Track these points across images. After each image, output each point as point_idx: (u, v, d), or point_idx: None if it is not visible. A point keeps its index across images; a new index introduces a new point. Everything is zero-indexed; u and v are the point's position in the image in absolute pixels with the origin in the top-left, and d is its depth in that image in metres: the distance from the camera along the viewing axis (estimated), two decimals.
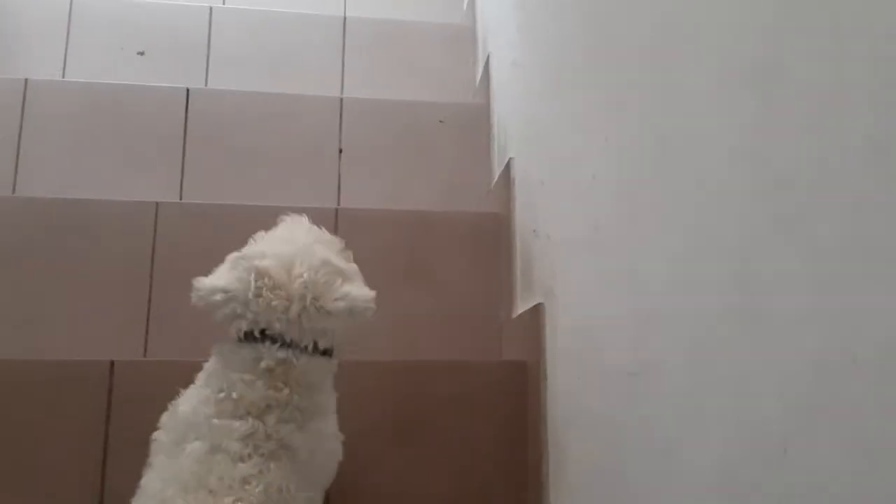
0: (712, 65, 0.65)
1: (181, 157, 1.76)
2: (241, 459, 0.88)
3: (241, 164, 1.78)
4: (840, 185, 0.48)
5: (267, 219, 1.06)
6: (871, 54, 0.45)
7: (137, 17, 2.12)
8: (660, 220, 0.75)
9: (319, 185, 1.79)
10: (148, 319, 1.42)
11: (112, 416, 1.17)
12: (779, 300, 0.54)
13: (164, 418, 0.98)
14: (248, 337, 0.94)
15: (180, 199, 1.73)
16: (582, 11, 1.07)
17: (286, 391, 0.92)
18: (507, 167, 1.51)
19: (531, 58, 1.39)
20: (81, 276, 1.44)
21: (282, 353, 0.93)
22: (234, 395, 0.91)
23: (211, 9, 2.14)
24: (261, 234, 1.02)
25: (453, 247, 1.56)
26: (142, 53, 2.08)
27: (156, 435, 0.97)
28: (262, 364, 0.92)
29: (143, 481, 0.93)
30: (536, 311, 1.20)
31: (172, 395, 0.99)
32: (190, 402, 0.95)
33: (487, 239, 1.57)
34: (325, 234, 1.05)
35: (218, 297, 0.94)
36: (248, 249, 0.99)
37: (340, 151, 1.83)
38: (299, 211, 1.07)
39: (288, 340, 0.94)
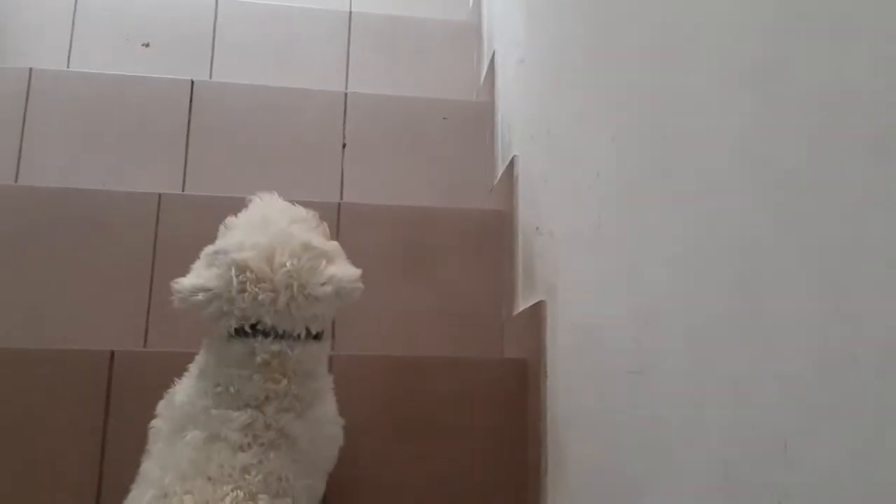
0: (714, 64, 0.66)
1: (184, 149, 1.76)
2: (241, 449, 0.88)
3: (245, 157, 1.78)
4: (841, 185, 0.48)
5: None
6: (873, 54, 0.45)
7: (143, 8, 2.12)
8: (662, 219, 0.75)
9: (322, 180, 1.79)
10: (149, 310, 1.42)
11: (111, 406, 1.17)
12: (780, 300, 0.54)
13: (161, 406, 0.98)
14: (239, 332, 0.92)
15: (183, 190, 1.73)
16: (587, 10, 1.07)
17: (284, 382, 0.91)
18: (511, 164, 1.51)
19: (537, 56, 1.39)
20: (83, 266, 1.44)
21: (276, 346, 0.91)
22: (232, 389, 0.90)
23: (217, 1, 2.14)
24: (231, 220, 0.99)
25: (455, 243, 1.56)
26: (147, 45, 2.08)
27: (154, 423, 0.97)
28: (258, 358, 0.91)
29: (143, 468, 0.93)
30: (538, 309, 1.20)
31: (171, 385, 0.99)
32: (186, 392, 0.94)
33: (490, 236, 1.57)
34: (299, 211, 1.02)
35: (200, 296, 0.91)
36: (222, 241, 0.95)
37: (344, 146, 1.83)
38: (302, 205, 1.05)
39: (280, 332, 0.92)
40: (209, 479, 0.85)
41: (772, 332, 0.54)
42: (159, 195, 1.50)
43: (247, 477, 0.86)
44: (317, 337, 0.96)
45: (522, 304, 1.36)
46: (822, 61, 0.50)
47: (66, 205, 1.48)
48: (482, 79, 2.03)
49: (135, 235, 1.46)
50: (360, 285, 0.96)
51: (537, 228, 1.28)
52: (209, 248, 0.95)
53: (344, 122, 1.84)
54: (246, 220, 0.98)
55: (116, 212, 1.48)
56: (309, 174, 1.79)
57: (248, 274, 0.90)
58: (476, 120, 1.88)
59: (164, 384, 0.99)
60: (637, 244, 0.82)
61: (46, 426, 1.16)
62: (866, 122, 0.46)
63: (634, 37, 0.86)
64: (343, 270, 0.95)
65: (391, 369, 1.27)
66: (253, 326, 0.91)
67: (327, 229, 1.04)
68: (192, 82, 1.81)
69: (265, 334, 0.91)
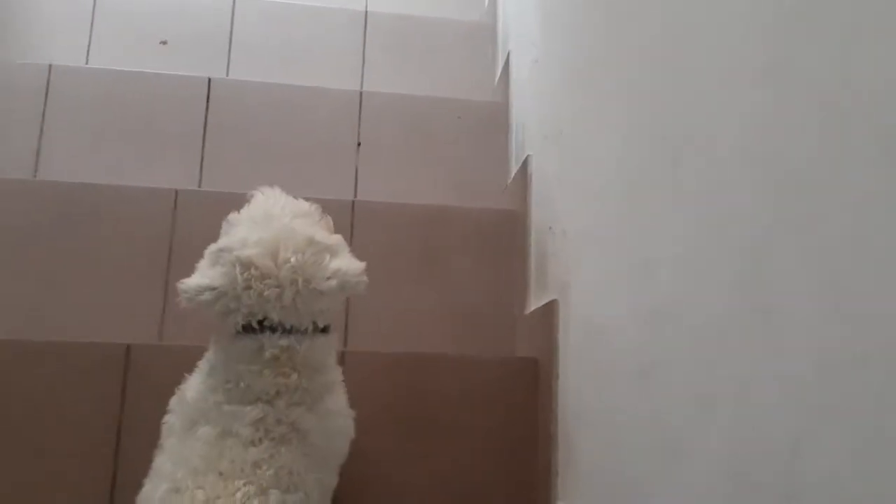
0: (724, 64, 0.66)
1: (201, 146, 1.78)
2: (253, 443, 0.88)
3: (260, 154, 1.79)
4: (848, 185, 0.48)
5: None
6: (881, 54, 0.45)
7: (160, 6, 2.13)
8: (673, 219, 0.75)
9: (337, 177, 1.80)
10: (165, 304, 1.43)
11: (127, 399, 1.19)
12: (788, 299, 0.54)
13: (173, 402, 0.98)
14: (247, 329, 0.92)
15: (199, 186, 1.74)
16: (601, 12, 1.07)
17: (294, 376, 0.92)
18: (525, 164, 1.51)
19: (552, 56, 1.39)
20: (100, 261, 1.46)
21: (284, 341, 0.92)
22: (243, 384, 0.91)
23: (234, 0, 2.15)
24: (234, 216, 0.99)
25: (468, 242, 1.57)
26: (164, 42, 2.09)
27: (167, 418, 0.97)
28: (267, 354, 0.91)
29: (155, 463, 0.93)
30: (550, 308, 1.20)
31: (185, 380, 1.00)
32: (196, 389, 0.94)
33: (502, 235, 1.57)
34: (301, 205, 1.01)
35: (206, 295, 0.91)
36: (226, 239, 0.95)
37: (359, 145, 1.84)
38: (317, 202, 1.05)
39: (287, 327, 0.92)
40: (220, 474, 0.86)
41: (781, 331, 0.54)
42: (176, 191, 1.51)
43: (258, 472, 0.86)
44: (324, 330, 0.97)
45: (535, 304, 1.36)
46: (831, 61, 0.50)
47: (83, 200, 1.49)
48: (497, 79, 2.03)
49: (151, 230, 1.48)
50: (365, 278, 0.96)
51: (550, 228, 1.28)
52: (213, 247, 0.95)
53: (359, 121, 1.85)
54: (248, 217, 0.98)
55: (134, 207, 1.50)
56: (323, 172, 1.80)
57: (252, 271, 0.90)
58: (490, 119, 1.88)
59: (179, 378, 1.00)
60: (649, 244, 0.82)
61: (62, 418, 1.17)
62: (868, 123, 0.46)
63: (646, 38, 0.86)
64: (348, 264, 0.95)
65: (401, 366, 1.27)
66: (260, 322, 0.92)
67: (331, 223, 1.04)
68: (210, 80, 1.83)
69: (273, 330, 0.92)
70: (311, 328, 0.94)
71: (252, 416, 0.89)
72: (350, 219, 1.51)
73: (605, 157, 0.99)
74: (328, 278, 0.93)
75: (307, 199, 1.05)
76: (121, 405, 1.18)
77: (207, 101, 1.80)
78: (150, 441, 0.97)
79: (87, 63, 2.06)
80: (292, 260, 0.91)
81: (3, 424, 1.16)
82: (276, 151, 1.80)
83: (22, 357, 1.19)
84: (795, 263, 0.53)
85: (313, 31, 2.16)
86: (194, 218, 1.48)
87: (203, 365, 0.98)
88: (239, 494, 0.84)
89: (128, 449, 1.16)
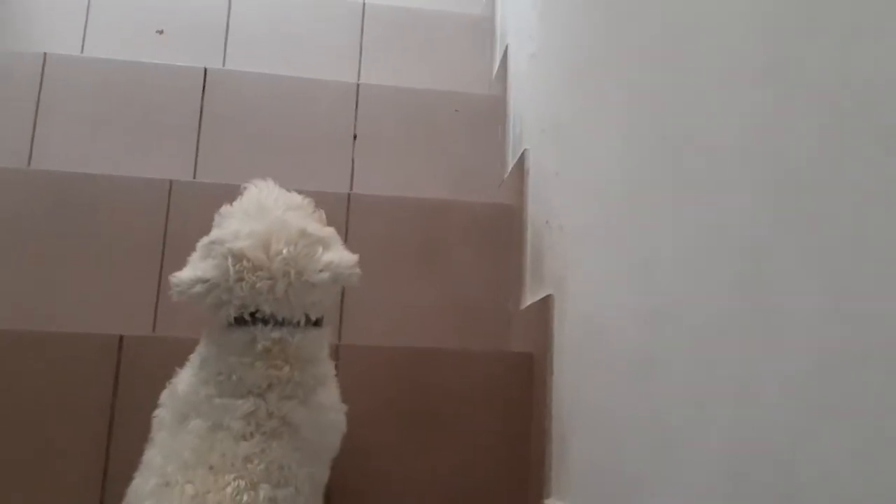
0: (724, 63, 0.65)
1: (196, 137, 1.77)
2: (244, 438, 0.88)
3: (256, 146, 1.78)
4: (849, 185, 0.47)
5: None
6: (881, 54, 0.45)
7: None
8: (671, 215, 0.75)
9: (333, 170, 1.80)
10: (158, 296, 1.43)
11: (119, 391, 1.18)
12: (788, 299, 0.53)
13: (164, 396, 0.98)
14: (239, 321, 0.92)
15: (194, 177, 1.73)
16: (599, 7, 1.06)
17: (286, 368, 0.91)
18: (522, 158, 1.51)
19: (550, 51, 1.38)
20: (94, 251, 1.45)
21: (276, 333, 0.91)
22: (235, 377, 0.90)
23: None
24: (227, 208, 0.99)
25: (464, 236, 1.56)
26: (161, 32, 2.08)
27: (157, 412, 0.97)
28: (259, 346, 0.91)
29: (146, 457, 0.93)
30: (545, 303, 1.20)
31: (178, 372, 0.99)
32: (188, 382, 0.94)
33: (499, 229, 1.57)
34: (294, 198, 1.01)
35: (198, 288, 0.91)
36: (218, 231, 0.95)
37: (355, 137, 1.83)
38: (312, 195, 1.05)
39: (280, 319, 0.92)
40: (211, 468, 0.85)
41: (780, 330, 0.54)
42: (170, 182, 1.50)
43: (249, 466, 0.86)
44: (317, 323, 0.96)
45: (530, 298, 1.36)
46: (826, 61, 0.50)
47: (77, 189, 1.48)
48: (495, 72, 2.02)
49: (146, 221, 1.47)
50: (358, 271, 0.96)
51: (547, 222, 1.28)
52: (205, 239, 0.95)
53: (356, 113, 1.84)
54: (241, 209, 0.98)
55: (128, 197, 1.49)
56: (320, 164, 1.79)
57: (244, 263, 0.90)
58: (488, 113, 1.87)
59: (173, 370, 0.99)
60: (646, 240, 0.82)
61: (55, 408, 1.17)
62: (868, 123, 0.46)
63: (645, 35, 0.86)
64: (340, 256, 0.95)
65: (397, 360, 1.27)
66: (252, 315, 0.92)
67: (323, 216, 1.03)
68: (206, 70, 1.82)
69: (265, 322, 0.92)
70: (303, 320, 0.94)
71: (243, 410, 0.89)
72: (345, 211, 1.50)
73: (604, 155, 0.99)
74: (320, 270, 0.93)
75: (301, 192, 1.04)
76: (113, 395, 1.18)
77: (203, 92, 1.79)
78: (143, 432, 0.97)
79: (82, 52, 2.04)
80: (284, 252, 0.91)
81: None
82: (271, 143, 1.79)
83: (14, 347, 1.19)
84: (795, 263, 0.52)
85: (311, 23, 2.14)
86: (189, 209, 1.47)
87: (194, 358, 0.97)
88: (229, 489, 0.84)
89: (120, 439, 1.16)
